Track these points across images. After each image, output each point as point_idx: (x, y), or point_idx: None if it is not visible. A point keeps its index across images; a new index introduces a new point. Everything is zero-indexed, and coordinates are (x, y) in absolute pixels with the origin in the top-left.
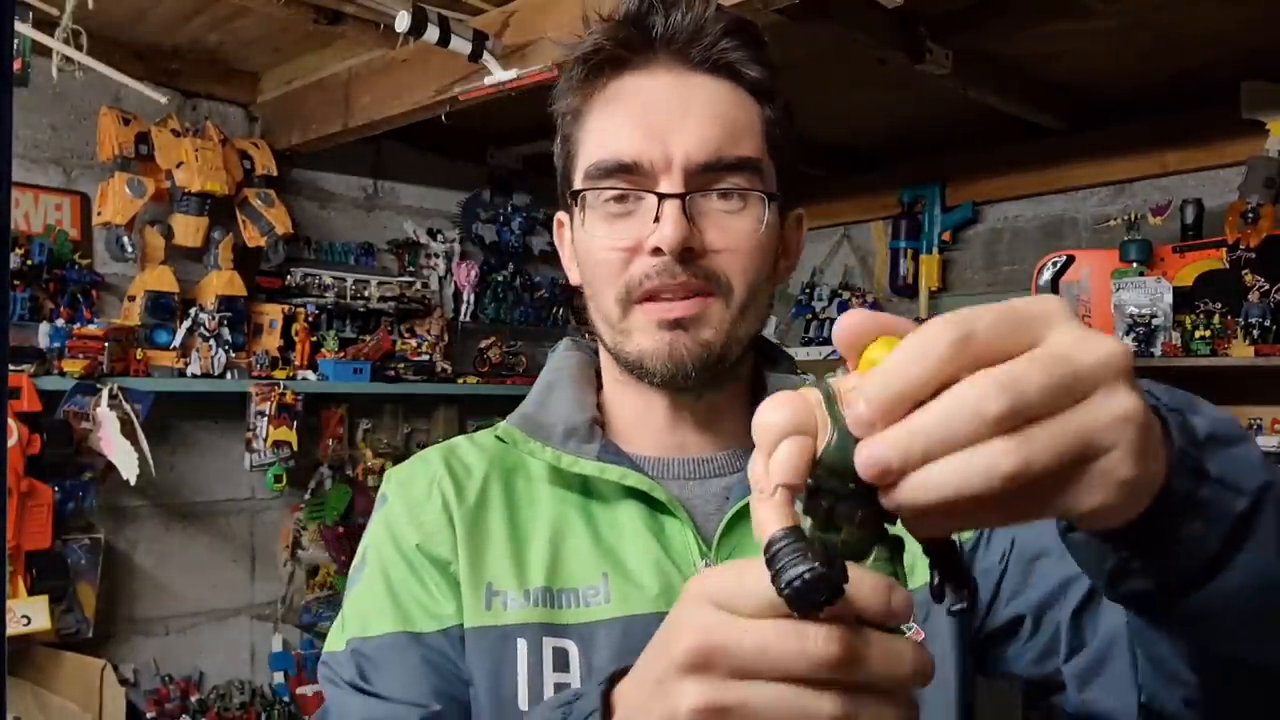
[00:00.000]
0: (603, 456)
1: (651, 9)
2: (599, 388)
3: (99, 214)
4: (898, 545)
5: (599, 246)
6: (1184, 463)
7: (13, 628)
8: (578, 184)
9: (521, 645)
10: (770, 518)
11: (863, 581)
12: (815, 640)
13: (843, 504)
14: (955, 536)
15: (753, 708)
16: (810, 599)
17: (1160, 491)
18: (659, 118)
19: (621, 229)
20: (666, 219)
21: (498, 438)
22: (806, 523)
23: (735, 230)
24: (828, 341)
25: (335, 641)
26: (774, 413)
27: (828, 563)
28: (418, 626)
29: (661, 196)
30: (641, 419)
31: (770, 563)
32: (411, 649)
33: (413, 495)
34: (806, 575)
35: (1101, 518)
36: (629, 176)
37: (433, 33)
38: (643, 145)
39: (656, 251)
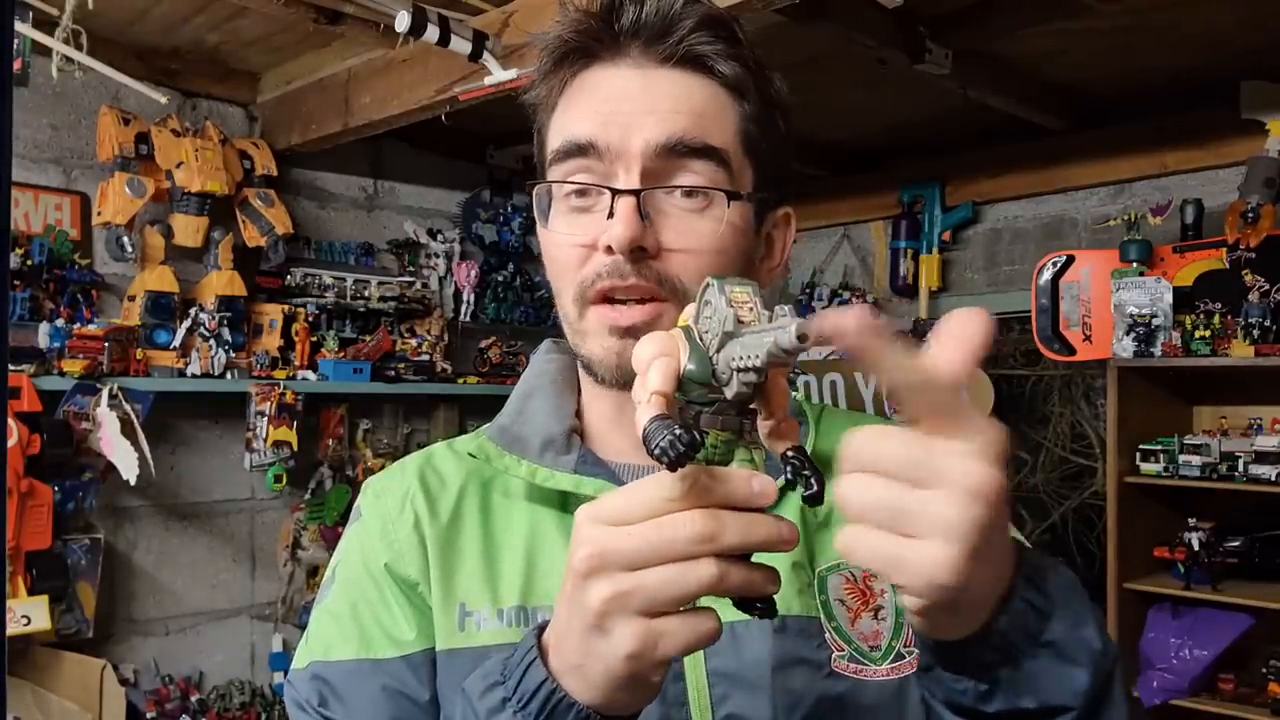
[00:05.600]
0: (580, 469)
1: (623, 1)
2: (580, 390)
3: (99, 214)
4: (760, 452)
5: (558, 243)
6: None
7: (13, 628)
8: (542, 178)
9: None
10: (645, 414)
11: (730, 474)
12: (684, 524)
13: (705, 413)
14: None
15: (648, 586)
16: (675, 452)
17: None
18: (621, 107)
19: (580, 225)
20: (618, 216)
21: (470, 454)
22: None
23: (694, 231)
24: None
25: (300, 660)
26: (643, 346)
27: (686, 428)
28: (378, 653)
29: (615, 193)
30: (616, 423)
31: (646, 442)
32: (371, 677)
33: (386, 511)
34: (669, 436)
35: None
36: (586, 161)
37: (433, 33)
38: (600, 130)
39: (609, 250)
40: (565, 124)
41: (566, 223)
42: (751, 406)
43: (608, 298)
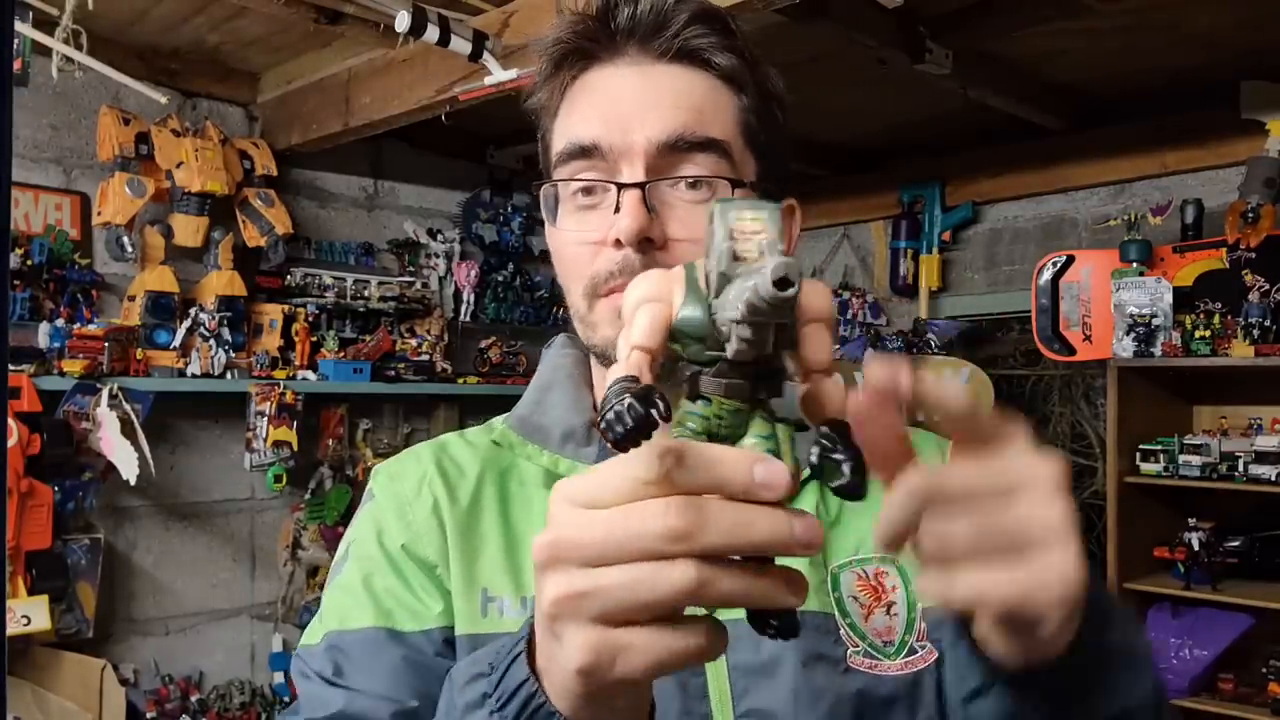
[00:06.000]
0: (601, 460)
1: (617, 2)
2: (594, 386)
3: (99, 214)
4: (786, 427)
5: (567, 240)
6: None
7: (13, 628)
8: (549, 179)
9: None
10: (613, 372)
11: (723, 456)
12: (654, 515)
13: (706, 375)
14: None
15: (605, 589)
16: (622, 427)
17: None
18: (622, 107)
19: (587, 222)
20: (625, 209)
21: (494, 441)
22: (693, 409)
23: (700, 220)
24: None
25: (311, 635)
26: (632, 289)
27: (644, 398)
28: (399, 625)
29: (621, 186)
30: None
31: (600, 409)
32: (390, 647)
33: (401, 493)
34: (615, 407)
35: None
36: (590, 161)
37: (433, 33)
38: (603, 130)
39: (618, 244)
40: (568, 127)
41: (574, 221)
42: (779, 365)
43: (616, 291)
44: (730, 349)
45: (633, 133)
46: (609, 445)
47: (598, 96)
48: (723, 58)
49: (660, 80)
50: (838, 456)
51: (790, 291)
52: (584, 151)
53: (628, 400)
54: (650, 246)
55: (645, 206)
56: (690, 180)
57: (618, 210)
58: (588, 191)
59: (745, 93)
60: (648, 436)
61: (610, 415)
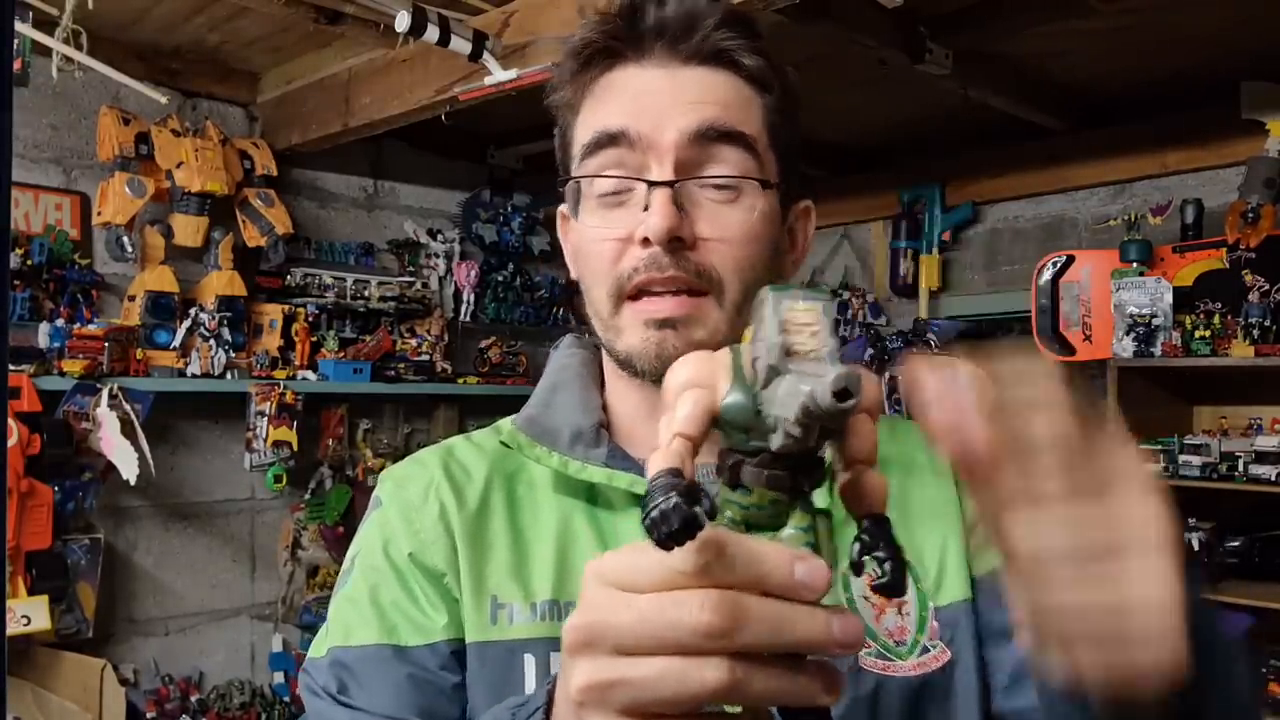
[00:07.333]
0: (610, 462)
1: (645, 2)
2: (603, 386)
3: (99, 214)
4: (825, 518)
5: (592, 238)
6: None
7: (13, 628)
8: (572, 174)
9: (529, 661)
10: (655, 465)
11: (765, 551)
12: (690, 610)
13: (748, 465)
14: (889, 513)
15: (635, 681)
16: (667, 528)
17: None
18: (650, 102)
19: (614, 219)
20: (654, 207)
21: (502, 443)
22: (731, 490)
23: (728, 220)
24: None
25: (317, 649)
26: (676, 371)
27: (690, 498)
28: (403, 640)
29: (651, 184)
30: (646, 420)
31: (644, 502)
32: (394, 663)
33: (408, 500)
34: (662, 506)
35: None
36: (618, 150)
37: (433, 33)
38: (631, 120)
39: (645, 242)
40: (595, 120)
41: (600, 217)
42: (820, 455)
43: (644, 291)
44: (775, 442)
45: (663, 126)
46: (653, 543)
47: (626, 93)
48: (750, 59)
49: (687, 80)
50: (879, 554)
51: (850, 403)
52: (611, 139)
53: (674, 499)
54: (680, 245)
55: (675, 205)
56: (719, 178)
57: (646, 208)
58: (613, 188)
59: (770, 93)
60: (693, 537)
61: (655, 514)
